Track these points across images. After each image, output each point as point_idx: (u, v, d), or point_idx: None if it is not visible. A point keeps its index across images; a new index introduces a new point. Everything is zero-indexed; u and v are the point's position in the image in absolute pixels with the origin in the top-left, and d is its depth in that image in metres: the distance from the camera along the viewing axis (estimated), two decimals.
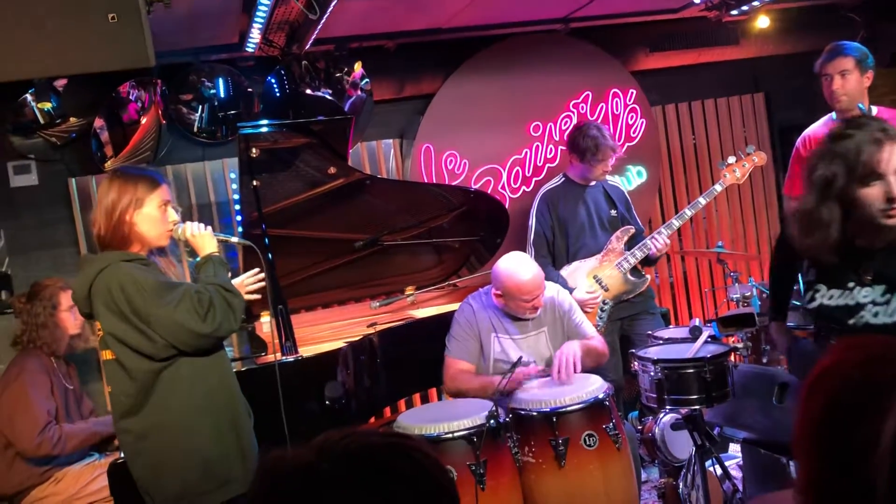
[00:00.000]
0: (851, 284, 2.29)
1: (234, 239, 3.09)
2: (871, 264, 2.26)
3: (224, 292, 2.53)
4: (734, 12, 4.92)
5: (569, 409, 2.95)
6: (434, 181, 4.84)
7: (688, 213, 4.29)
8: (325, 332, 4.03)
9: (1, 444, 3.46)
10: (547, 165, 5.11)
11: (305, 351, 3.42)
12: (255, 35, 3.84)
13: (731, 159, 4.33)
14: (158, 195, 2.58)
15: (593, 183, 4.32)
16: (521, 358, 3.23)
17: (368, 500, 0.92)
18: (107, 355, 2.55)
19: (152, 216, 2.57)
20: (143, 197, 2.54)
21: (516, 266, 3.35)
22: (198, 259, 2.68)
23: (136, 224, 2.54)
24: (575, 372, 3.19)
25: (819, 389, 1.29)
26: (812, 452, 1.26)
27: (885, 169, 2.13)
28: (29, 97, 4.09)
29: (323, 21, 3.53)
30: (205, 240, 2.67)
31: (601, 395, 3.02)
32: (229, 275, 2.69)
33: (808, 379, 1.35)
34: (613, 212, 4.31)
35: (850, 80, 3.56)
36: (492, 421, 2.89)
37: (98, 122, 4.25)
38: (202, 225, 2.70)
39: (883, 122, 2.21)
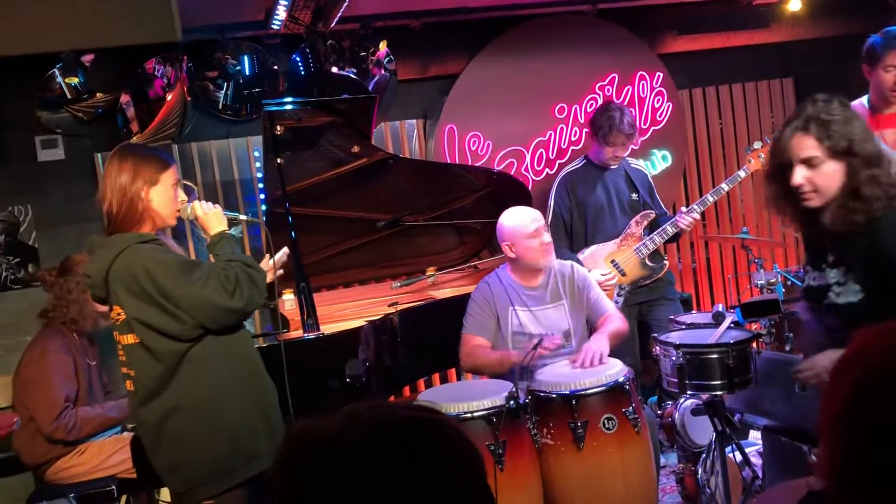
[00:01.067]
0: (823, 266, 2.36)
1: (243, 216, 3.08)
2: (830, 246, 2.32)
3: (246, 268, 2.53)
4: None
5: (588, 391, 2.94)
6: (457, 162, 4.83)
7: (710, 198, 4.25)
8: (347, 310, 4.05)
9: (25, 417, 3.51)
10: (571, 148, 5.08)
11: (327, 329, 3.44)
12: (281, 12, 3.84)
13: (757, 145, 4.28)
14: (171, 174, 2.56)
15: (614, 166, 4.29)
16: (542, 338, 3.22)
17: (393, 472, 0.92)
18: (129, 339, 2.51)
19: (167, 194, 2.55)
20: (158, 175, 2.52)
21: (511, 209, 3.47)
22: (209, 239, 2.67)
23: (151, 201, 2.51)
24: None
25: (845, 375, 1.29)
26: (837, 438, 1.27)
27: (792, 156, 2.22)
28: (56, 72, 4.12)
29: None
30: (216, 218, 2.65)
31: (621, 379, 3.01)
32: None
33: (835, 365, 1.35)
34: (634, 195, 4.27)
35: None
36: (511, 402, 2.89)
37: (124, 98, 4.28)
38: (211, 204, 2.69)
39: (815, 109, 2.24)
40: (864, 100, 3.66)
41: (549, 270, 3.50)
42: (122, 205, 2.48)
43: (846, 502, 1.27)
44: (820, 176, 2.19)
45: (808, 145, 2.19)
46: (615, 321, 3.44)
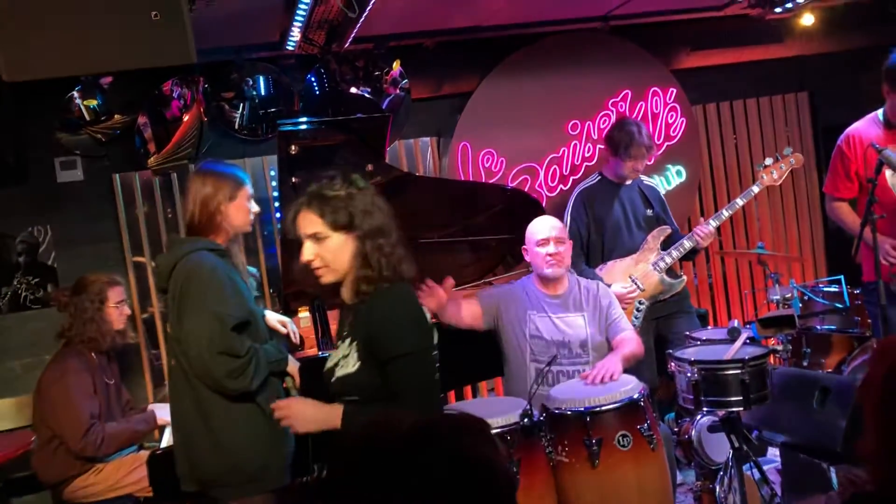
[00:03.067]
0: (339, 341, 2.37)
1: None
2: (346, 318, 2.35)
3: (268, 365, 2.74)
4: (778, 10, 4.84)
5: (603, 408, 2.93)
6: (471, 179, 4.84)
7: (725, 213, 4.25)
8: None
9: (45, 436, 3.54)
10: (585, 164, 5.09)
11: None
12: (296, 33, 3.88)
13: (769, 161, 4.28)
14: (246, 191, 2.86)
15: (629, 182, 4.30)
16: (555, 356, 3.22)
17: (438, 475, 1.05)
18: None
19: (243, 207, 2.83)
20: (237, 190, 2.80)
21: (535, 219, 3.62)
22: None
23: (229, 215, 2.78)
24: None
25: (882, 358, 1.46)
26: (873, 418, 1.41)
27: (300, 233, 2.26)
28: (76, 94, 4.19)
29: (362, 20, 3.55)
30: None
31: (636, 396, 2.99)
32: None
33: (875, 349, 1.51)
34: (649, 211, 4.28)
35: None
36: (525, 419, 2.88)
37: (141, 119, 4.34)
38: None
39: (317, 187, 2.27)
40: (878, 113, 3.65)
41: (572, 281, 3.58)
42: (203, 215, 2.77)
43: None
44: (327, 250, 2.22)
45: (311, 221, 2.23)
46: (631, 343, 3.44)
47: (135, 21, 2.04)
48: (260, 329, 2.82)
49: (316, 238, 2.22)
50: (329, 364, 2.31)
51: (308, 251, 2.24)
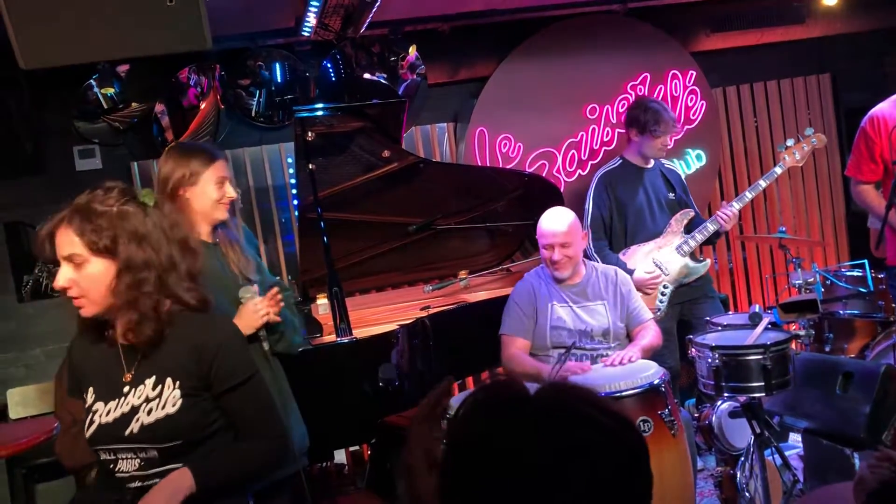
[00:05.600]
0: (120, 389, 1.96)
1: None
2: (127, 361, 1.96)
3: None
4: None
5: (623, 393, 2.91)
6: (488, 165, 4.82)
7: (748, 195, 4.20)
8: (380, 314, 4.06)
9: (67, 421, 3.57)
10: (603, 148, 5.04)
11: (360, 333, 3.45)
12: (311, 19, 3.86)
13: (790, 142, 4.23)
14: (214, 171, 2.54)
15: (651, 164, 4.26)
16: (574, 343, 3.20)
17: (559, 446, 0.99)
18: None
19: (206, 192, 2.52)
20: (198, 172, 2.51)
21: (546, 213, 3.48)
22: None
23: (191, 200, 2.51)
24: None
25: None
26: None
27: (58, 252, 1.87)
28: (93, 82, 4.20)
29: (378, 4, 3.53)
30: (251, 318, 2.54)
31: (656, 381, 2.97)
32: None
33: None
34: (672, 195, 4.25)
35: None
36: None
37: (159, 107, 4.35)
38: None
39: (86, 198, 1.92)
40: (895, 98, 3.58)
41: (589, 268, 3.54)
42: (165, 199, 2.44)
43: None
44: (85, 278, 1.83)
45: (69, 240, 1.84)
46: (650, 335, 3.43)
47: (150, 7, 2.04)
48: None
49: (72, 261, 1.84)
50: (112, 416, 1.90)
51: (61, 276, 1.85)
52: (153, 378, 1.90)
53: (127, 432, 1.88)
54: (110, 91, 4.18)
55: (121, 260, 1.84)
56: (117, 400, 1.92)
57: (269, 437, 2.01)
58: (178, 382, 1.89)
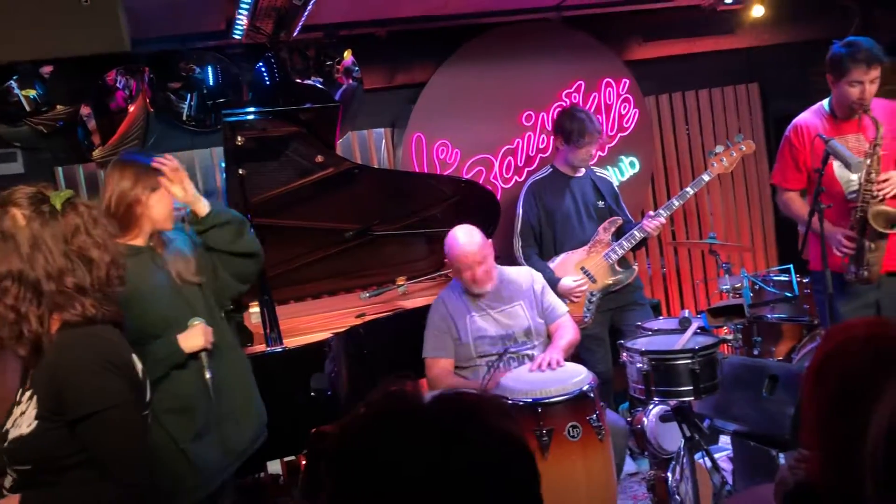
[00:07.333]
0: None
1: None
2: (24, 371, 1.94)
3: None
4: (729, 1, 4.88)
5: (554, 399, 2.94)
6: (426, 171, 4.81)
7: (675, 203, 4.26)
8: (315, 322, 4.00)
9: None
10: (539, 156, 5.08)
11: (293, 342, 3.39)
12: (242, 21, 3.79)
13: (719, 148, 4.32)
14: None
15: (581, 173, 4.31)
16: (506, 350, 3.22)
17: (429, 456, 0.97)
18: None
19: (165, 198, 2.61)
20: (158, 182, 2.59)
21: (456, 233, 3.50)
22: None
23: (150, 206, 2.57)
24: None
25: (829, 373, 1.39)
26: (830, 432, 1.36)
27: None
28: (13, 84, 4.04)
29: (309, 7, 3.49)
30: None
31: (585, 388, 3.01)
32: None
33: (811, 368, 1.40)
34: (601, 202, 4.30)
35: (875, 87, 3.44)
36: None
37: (85, 110, 4.21)
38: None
39: None
40: (824, 103, 3.68)
41: (501, 273, 3.58)
42: (121, 208, 2.52)
43: (840, 493, 1.31)
44: None
45: None
46: (567, 332, 3.50)
47: (65, 7, 1.96)
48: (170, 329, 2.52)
49: None
50: (7, 423, 1.85)
51: None
52: (30, 391, 1.83)
53: (4, 444, 1.82)
54: (32, 93, 4.03)
55: None
56: (15, 409, 1.85)
57: (121, 484, 1.81)
58: (39, 402, 1.79)
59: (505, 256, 4.24)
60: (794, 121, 3.74)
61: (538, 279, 3.61)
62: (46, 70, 4.04)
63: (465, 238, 3.46)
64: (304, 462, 4.15)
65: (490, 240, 3.59)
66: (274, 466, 4.45)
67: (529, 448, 1.04)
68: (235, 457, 2.63)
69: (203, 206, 2.70)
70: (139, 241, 2.59)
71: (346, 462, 0.99)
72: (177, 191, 2.64)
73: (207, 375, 2.49)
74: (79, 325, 1.82)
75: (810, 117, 3.69)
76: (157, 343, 2.45)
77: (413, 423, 1.00)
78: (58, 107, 4.21)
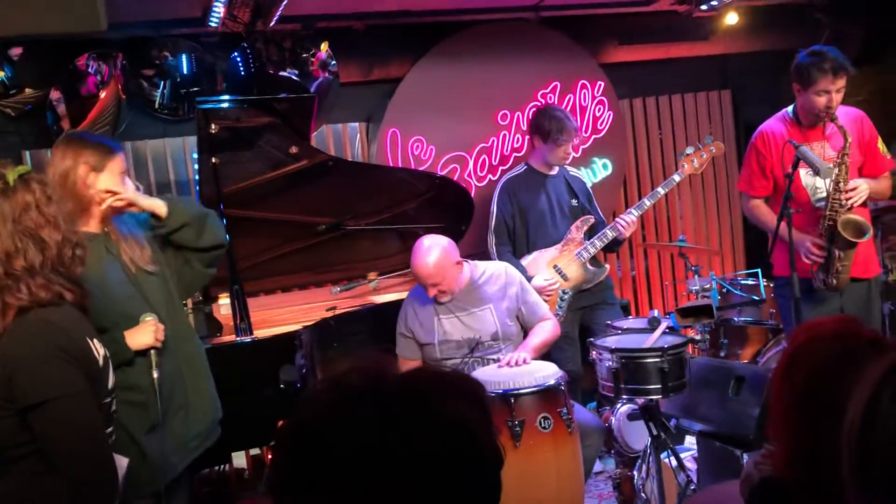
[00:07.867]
0: None
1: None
2: None
3: None
4: (704, 7, 4.93)
5: (525, 391, 2.96)
6: (400, 166, 4.80)
7: (647, 202, 4.30)
8: (285, 315, 3.98)
9: None
10: (514, 154, 5.09)
11: (262, 334, 3.37)
12: (219, 10, 3.76)
13: (690, 150, 4.36)
14: (117, 162, 2.43)
15: (555, 171, 4.33)
16: (472, 352, 3.25)
17: (369, 438, 0.93)
18: None
19: (113, 181, 2.40)
20: (105, 160, 2.39)
21: (416, 249, 3.42)
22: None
23: (95, 190, 2.38)
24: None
25: (797, 368, 1.41)
26: (797, 427, 1.38)
27: None
28: None
29: None
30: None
31: (553, 382, 3.04)
32: None
33: (780, 364, 1.43)
34: (574, 201, 4.32)
35: (841, 95, 3.48)
36: None
37: (55, 94, 4.14)
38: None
39: None
40: (788, 110, 3.73)
41: (476, 274, 3.54)
42: (65, 190, 2.28)
43: (806, 487, 1.33)
44: None
45: None
46: (542, 331, 3.49)
47: None
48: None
49: None
50: None
51: None
52: None
53: None
54: (1, 75, 3.96)
55: None
56: None
57: (71, 479, 1.74)
58: None
59: (479, 253, 4.25)
60: (760, 128, 3.77)
61: (515, 279, 3.56)
62: (16, 52, 3.97)
63: (423, 259, 3.36)
64: (269, 456, 4.12)
65: (455, 256, 3.44)
66: (239, 460, 4.41)
67: (483, 434, 0.97)
68: (188, 451, 2.54)
69: (160, 207, 2.51)
70: (92, 227, 2.42)
71: (290, 445, 0.96)
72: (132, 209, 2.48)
73: (155, 375, 2.36)
74: (30, 309, 1.76)
75: (775, 124, 3.72)
76: (104, 339, 2.24)
77: (355, 404, 0.94)
78: (27, 90, 4.14)
